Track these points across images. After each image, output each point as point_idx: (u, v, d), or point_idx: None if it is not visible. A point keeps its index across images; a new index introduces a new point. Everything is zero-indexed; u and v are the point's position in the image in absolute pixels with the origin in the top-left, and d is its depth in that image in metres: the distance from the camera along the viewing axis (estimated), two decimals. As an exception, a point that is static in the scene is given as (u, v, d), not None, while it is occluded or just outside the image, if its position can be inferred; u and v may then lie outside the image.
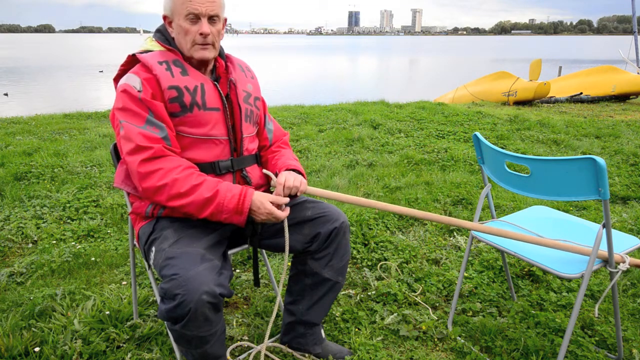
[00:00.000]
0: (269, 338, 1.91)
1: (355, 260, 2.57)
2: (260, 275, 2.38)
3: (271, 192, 1.62)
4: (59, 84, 21.37)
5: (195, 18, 1.48)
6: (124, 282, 2.33)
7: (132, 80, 1.47)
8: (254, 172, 1.65)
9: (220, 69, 1.62)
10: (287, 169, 1.65)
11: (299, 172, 1.68)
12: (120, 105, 1.46)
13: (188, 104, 1.48)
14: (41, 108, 8.20)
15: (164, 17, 1.55)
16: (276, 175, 1.64)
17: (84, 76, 24.74)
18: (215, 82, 1.57)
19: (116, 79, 1.58)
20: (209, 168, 1.53)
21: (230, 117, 1.58)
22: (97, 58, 42.09)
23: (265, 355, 1.80)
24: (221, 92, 1.56)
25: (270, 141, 1.80)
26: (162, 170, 1.41)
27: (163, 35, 1.59)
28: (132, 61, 1.56)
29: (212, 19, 1.51)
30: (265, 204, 1.47)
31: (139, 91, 1.45)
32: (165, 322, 1.72)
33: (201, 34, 1.48)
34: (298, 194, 1.59)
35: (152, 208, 1.53)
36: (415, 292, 2.27)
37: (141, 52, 1.55)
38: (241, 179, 1.61)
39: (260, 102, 1.76)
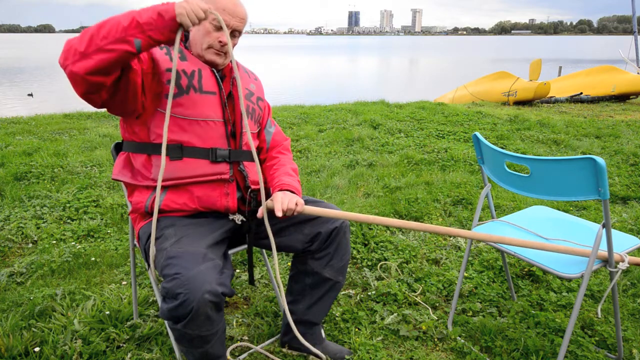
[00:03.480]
0: (269, 338, 1.91)
1: (355, 260, 2.57)
2: (260, 275, 2.39)
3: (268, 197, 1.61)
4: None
5: (221, 27, 1.52)
6: (124, 282, 2.33)
7: None
8: (251, 167, 1.65)
9: (225, 69, 1.64)
10: (281, 189, 1.61)
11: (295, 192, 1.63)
12: None
13: (185, 86, 1.50)
14: (59, 107, 8.16)
15: None
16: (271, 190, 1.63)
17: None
18: (213, 70, 1.58)
19: None
20: (206, 154, 1.54)
21: (231, 111, 1.60)
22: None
23: (265, 356, 1.80)
24: (217, 77, 1.57)
25: (268, 144, 1.79)
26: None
27: None
28: None
29: (234, 32, 1.57)
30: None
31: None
32: (166, 322, 1.72)
33: (220, 41, 1.53)
34: (294, 213, 1.56)
35: (152, 201, 1.53)
36: (415, 292, 2.27)
37: None
38: (238, 172, 1.60)
39: (264, 104, 1.78)
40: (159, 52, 1.50)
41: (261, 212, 1.54)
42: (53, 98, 15.77)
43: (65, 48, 1.28)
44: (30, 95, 16.24)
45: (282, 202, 1.52)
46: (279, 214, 1.50)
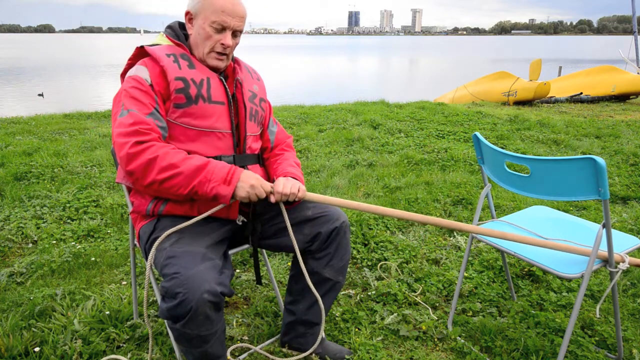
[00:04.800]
0: (269, 338, 1.91)
1: (355, 260, 2.57)
2: (260, 275, 2.39)
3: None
4: (84, 82, 21.49)
5: (222, 29, 1.51)
6: (124, 282, 2.33)
7: (142, 72, 1.50)
8: (255, 171, 1.65)
9: (228, 69, 1.64)
10: (284, 176, 1.62)
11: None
12: (130, 94, 1.46)
13: (193, 96, 1.49)
14: (70, 107, 8.16)
15: (186, 13, 1.57)
16: (273, 181, 1.64)
17: (111, 75, 24.90)
18: (221, 78, 1.58)
19: (123, 74, 1.59)
20: None
21: (235, 114, 1.59)
22: (117, 57, 41.97)
23: (265, 356, 1.80)
24: (227, 87, 1.57)
25: (272, 143, 1.80)
26: (153, 147, 1.40)
27: (174, 31, 1.62)
28: (139, 54, 1.58)
29: (235, 32, 1.56)
30: (252, 178, 1.45)
31: (150, 85, 1.47)
32: (165, 321, 1.72)
33: (222, 44, 1.53)
34: (296, 199, 1.57)
35: (153, 206, 1.53)
36: (415, 292, 2.27)
37: (150, 45, 1.57)
38: None
39: (266, 104, 1.78)
40: (166, 60, 1.49)
41: (273, 198, 1.54)
42: (57, 98, 15.75)
43: (134, 167, 1.39)
44: (41, 95, 16.15)
45: (285, 186, 1.53)
46: (277, 197, 1.52)
